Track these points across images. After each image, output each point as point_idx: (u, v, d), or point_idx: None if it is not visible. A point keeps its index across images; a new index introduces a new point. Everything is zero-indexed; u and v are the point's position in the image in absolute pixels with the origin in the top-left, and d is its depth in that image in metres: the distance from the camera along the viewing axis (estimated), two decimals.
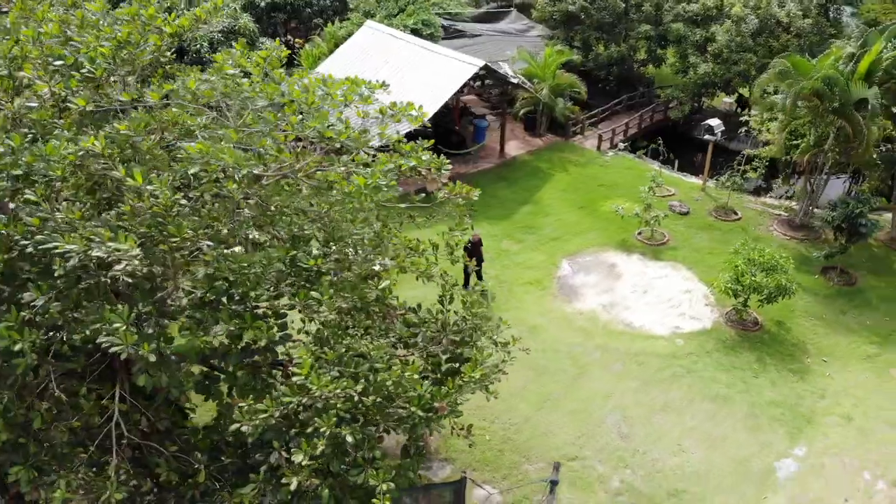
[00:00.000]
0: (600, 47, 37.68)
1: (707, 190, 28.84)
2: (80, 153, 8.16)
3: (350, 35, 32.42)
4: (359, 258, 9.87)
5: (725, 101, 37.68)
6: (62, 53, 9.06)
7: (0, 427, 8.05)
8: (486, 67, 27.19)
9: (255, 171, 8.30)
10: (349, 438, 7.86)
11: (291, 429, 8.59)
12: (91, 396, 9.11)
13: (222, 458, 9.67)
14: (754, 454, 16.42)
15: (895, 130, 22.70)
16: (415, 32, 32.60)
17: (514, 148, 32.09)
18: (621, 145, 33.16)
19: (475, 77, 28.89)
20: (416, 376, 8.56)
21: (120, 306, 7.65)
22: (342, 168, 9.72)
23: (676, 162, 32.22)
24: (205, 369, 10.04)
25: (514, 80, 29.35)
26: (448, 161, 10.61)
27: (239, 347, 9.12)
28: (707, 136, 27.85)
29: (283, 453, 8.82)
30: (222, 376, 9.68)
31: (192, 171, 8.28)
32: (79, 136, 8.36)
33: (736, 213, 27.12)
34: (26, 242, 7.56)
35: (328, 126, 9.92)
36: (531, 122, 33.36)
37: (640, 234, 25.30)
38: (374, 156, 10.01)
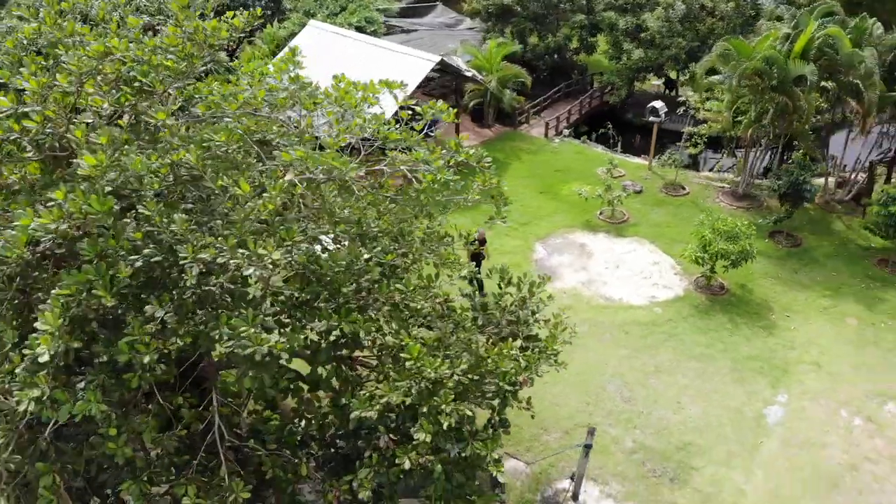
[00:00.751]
0: (534, 38, 39.00)
1: (653, 169, 30.60)
2: (172, 165, 8.43)
3: (293, 36, 32.33)
4: (425, 251, 10.45)
5: (654, 83, 39.82)
6: (131, 66, 9.18)
7: (121, 444, 8.20)
8: (441, 62, 27.88)
9: (350, 175, 8.74)
10: (468, 413, 8.49)
11: (399, 412, 9.12)
12: (186, 405, 9.36)
13: (312, 451, 10.08)
14: (744, 404, 17.97)
15: (825, 103, 24.88)
16: (359, 30, 32.88)
17: (465, 140, 32.91)
18: (566, 132, 34.60)
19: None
20: (512, 352, 9.29)
21: (245, 310, 8.00)
22: (404, 167, 10.29)
23: (620, 144, 33.94)
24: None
25: (468, 74, 30.19)
26: (487, 155, 11.34)
27: (329, 342, 9.56)
28: (652, 118, 29.56)
29: (390, 436, 9.35)
30: (306, 373, 10.08)
31: (288, 177, 8.66)
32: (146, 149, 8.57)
33: (684, 188, 28.97)
34: (150, 256, 7.77)
35: (386, 126, 10.48)
36: (478, 114, 34.29)
37: (601, 213, 26.69)
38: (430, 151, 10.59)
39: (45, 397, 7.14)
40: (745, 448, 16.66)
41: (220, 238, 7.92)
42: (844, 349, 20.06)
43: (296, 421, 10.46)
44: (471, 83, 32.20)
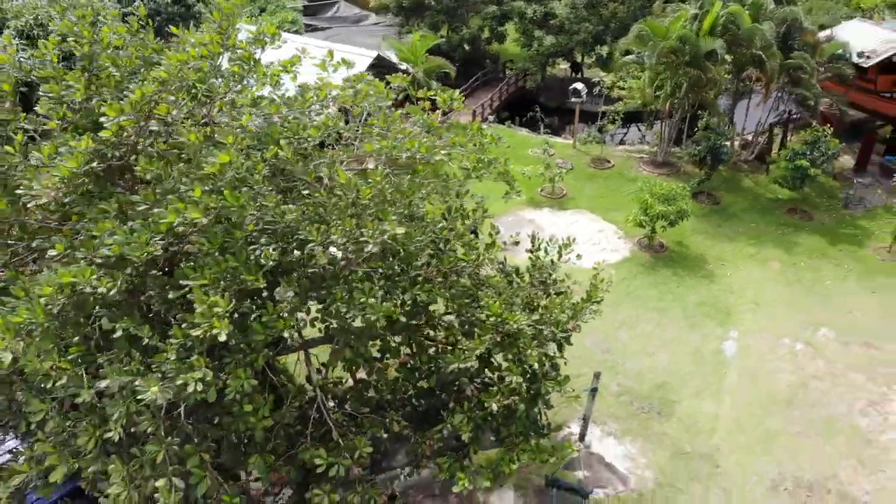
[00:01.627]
0: (446, 30, 40.47)
1: (578, 147, 32.90)
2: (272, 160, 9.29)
3: None
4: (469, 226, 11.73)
5: (561, 67, 42.35)
6: (203, 76, 9.87)
7: (259, 418, 8.98)
8: (377, 57, 28.84)
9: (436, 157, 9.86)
10: (548, 354, 9.87)
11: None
12: (286, 380, 10.22)
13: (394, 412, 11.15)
14: (702, 344, 20.33)
15: (728, 74, 27.87)
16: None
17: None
18: (490, 118, 36.38)
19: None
20: (565, 303, 10.75)
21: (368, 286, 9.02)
22: (444, 151, 11.48)
23: (542, 126, 36.08)
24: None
25: (402, 67, 31.25)
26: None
27: (404, 311, 10.66)
28: (574, 99, 31.78)
29: (474, 385, 10.57)
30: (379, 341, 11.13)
31: (370, 165, 9.70)
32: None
33: (609, 162, 31.43)
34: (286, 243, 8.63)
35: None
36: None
37: (542, 190, 28.63)
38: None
39: (207, 378, 7.87)
40: (710, 382, 18.94)
41: (330, 223, 8.87)
42: (774, 288, 22.94)
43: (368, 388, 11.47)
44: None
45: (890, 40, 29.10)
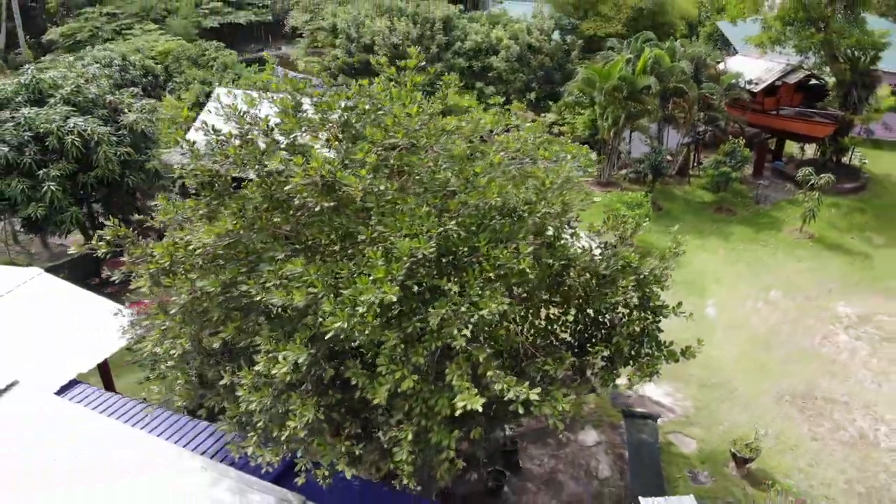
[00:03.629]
0: None
1: None
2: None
3: (199, 104, 35.07)
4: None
5: None
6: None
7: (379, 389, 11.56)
8: None
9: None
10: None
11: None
12: None
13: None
14: (693, 311, 25.44)
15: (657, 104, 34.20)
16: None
17: None
18: None
19: None
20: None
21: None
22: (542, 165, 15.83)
23: None
24: None
25: None
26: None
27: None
28: None
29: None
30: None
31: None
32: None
33: None
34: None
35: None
36: None
37: None
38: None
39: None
40: (707, 335, 23.72)
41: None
42: (726, 267, 28.74)
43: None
44: None
45: (770, 69, 36.71)
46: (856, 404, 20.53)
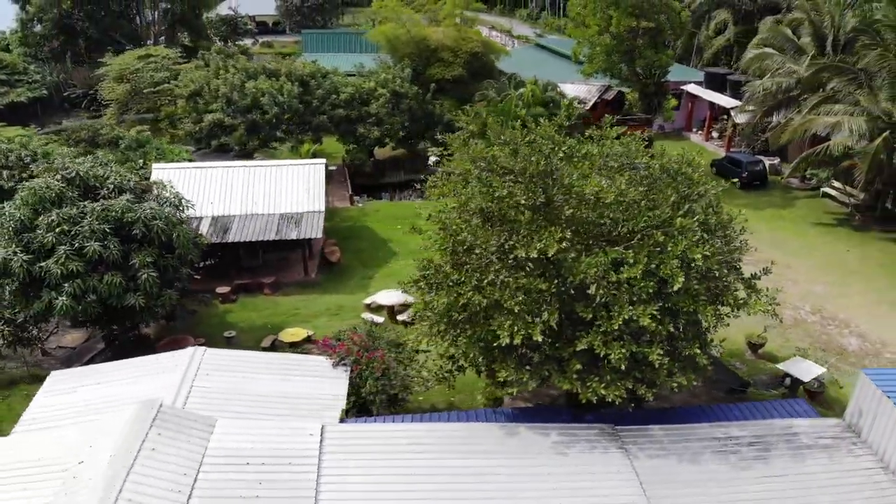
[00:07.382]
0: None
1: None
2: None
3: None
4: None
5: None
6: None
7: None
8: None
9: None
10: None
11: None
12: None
13: None
14: None
15: None
16: None
17: None
18: (364, 195, 46.48)
19: None
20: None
21: None
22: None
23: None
24: None
25: None
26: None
27: None
28: (432, 168, 44.21)
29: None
30: None
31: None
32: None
33: None
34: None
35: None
36: None
37: None
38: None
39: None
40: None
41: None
42: None
43: None
44: None
45: (590, 90, 48.55)
46: None
